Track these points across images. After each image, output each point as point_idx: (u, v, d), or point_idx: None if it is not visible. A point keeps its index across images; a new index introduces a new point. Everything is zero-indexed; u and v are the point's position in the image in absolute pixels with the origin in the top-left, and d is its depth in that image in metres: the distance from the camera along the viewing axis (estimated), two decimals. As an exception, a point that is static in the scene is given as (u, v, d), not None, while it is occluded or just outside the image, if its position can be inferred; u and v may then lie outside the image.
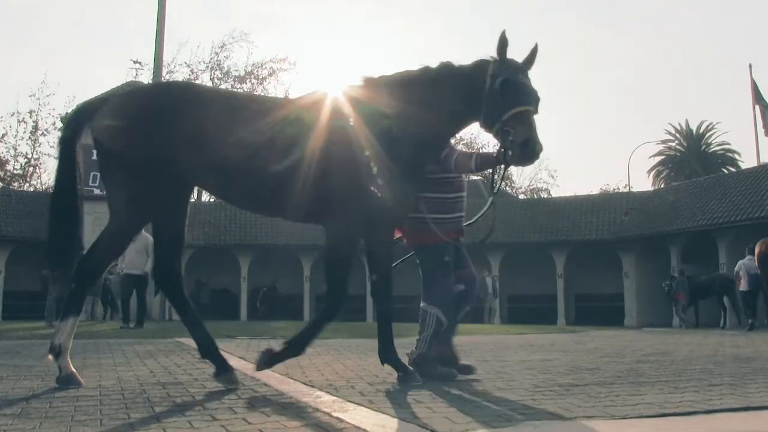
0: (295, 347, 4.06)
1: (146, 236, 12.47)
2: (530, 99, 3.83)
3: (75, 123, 4.26)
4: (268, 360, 4.03)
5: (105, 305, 19.87)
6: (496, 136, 3.87)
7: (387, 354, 4.18)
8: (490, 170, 4.38)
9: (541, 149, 3.72)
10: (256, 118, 3.98)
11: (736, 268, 16.64)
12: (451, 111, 4.07)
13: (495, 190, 4.34)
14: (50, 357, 3.83)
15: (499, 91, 3.80)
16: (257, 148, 3.91)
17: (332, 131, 3.94)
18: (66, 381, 3.79)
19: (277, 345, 4.12)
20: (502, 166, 4.05)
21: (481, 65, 3.98)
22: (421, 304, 4.39)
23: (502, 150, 3.85)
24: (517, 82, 3.84)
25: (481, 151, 4.36)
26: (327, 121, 3.98)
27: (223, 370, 3.98)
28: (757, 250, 14.38)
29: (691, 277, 19.70)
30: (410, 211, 4.28)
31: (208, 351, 4.07)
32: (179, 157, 3.91)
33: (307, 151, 3.89)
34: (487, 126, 3.91)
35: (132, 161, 3.94)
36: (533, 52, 4.01)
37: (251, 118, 3.99)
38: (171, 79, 37.09)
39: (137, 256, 12.24)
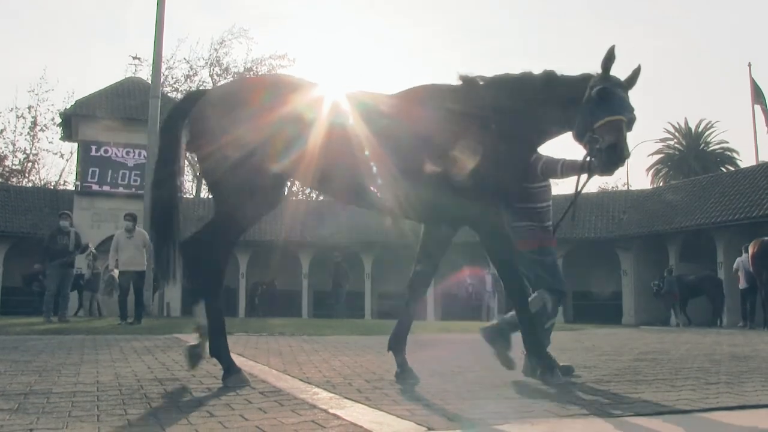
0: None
1: (143, 232, 12.48)
2: (624, 110, 3.83)
3: (177, 114, 4.24)
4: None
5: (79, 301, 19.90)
6: (585, 145, 3.88)
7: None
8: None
9: (628, 155, 3.74)
10: (367, 114, 3.99)
11: (734, 266, 16.72)
12: (547, 118, 4.09)
13: (575, 198, 4.34)
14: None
15: (594, 99, 3.82)
16: (366, 144, 3.92)
17: (439, 128, 3.98)
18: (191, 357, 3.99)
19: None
20: (586, 174, 4.12)
21: (585, 77, 3.99)
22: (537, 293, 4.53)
23: (588, 158, 3.90)
24: (613, 92, 3.83)
25: (566, 158, 4.42)
26: (434, 118, 4.00)
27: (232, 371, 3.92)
28: (751, 250, 14.43)
29: (679, 277, 19.80)
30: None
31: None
32: (282, 149, 3.87)
33: (414, 149, 3.94)
34: (579, 135, 3.91)
35: (233, 151, 3.87)
36: (635, 73, 3.98)
37: (363, 114, 3.99)
38: (170, 76, 37.19)
39: (137, 252, 12.24)
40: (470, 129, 3.97)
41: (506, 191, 4.14)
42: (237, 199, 3.91)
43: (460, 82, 4.15)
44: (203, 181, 39.33)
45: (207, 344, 3.91)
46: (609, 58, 3.83)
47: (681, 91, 72.25)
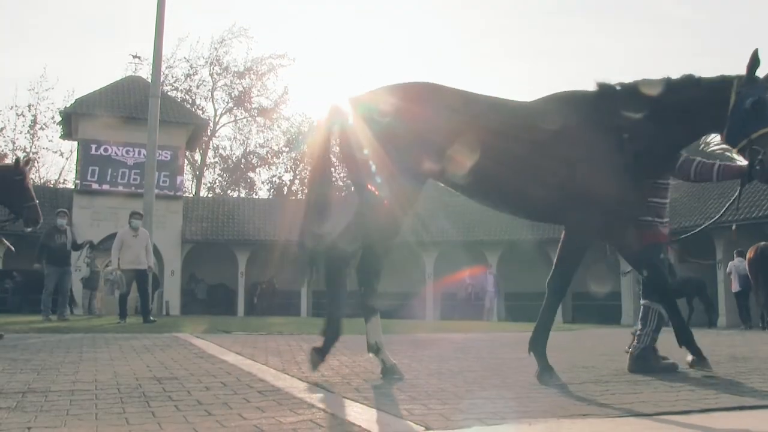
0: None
1: (146, 232, 12.50)
2: None
3: (331, 120, 4.30)
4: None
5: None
6: (740, 152, 4.03)
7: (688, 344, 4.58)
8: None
9: None
10: (508, 119, 4.13)
11: (727, 270, 17.26)
12: (690, 121, 4.20)
13: (738, 203, 4.62)
14: (371, 355, 4.21)
15: (749, 109, 3.91)
16: (508, 149, 4.07)
17: (578, 134, 4.11)
18: (390, 372, 4.08)
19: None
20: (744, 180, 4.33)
21: (726, 80, 4.07)
22: (642, 302, 4.85)
23: (751, 167, 4.03)
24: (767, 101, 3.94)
25: (720, 162, 4.67)
26: (571, 124, 4.11)
27: None
28: (748, 255, 14.59)
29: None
30: (639, 213, 4.62)
31: None
32: (433, 154, 3.99)
33: (554, 153, 4.06)
34: (732, 141, 4.05)
35: (391, 156, 3.96)
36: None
37: (504, 119, 4.13)
38: (170, 74, 37.19)
39: (141, 251, 12.18)
40: (608, 138, 4.10)
41: (633, 204, 4.35)
42: (391, 207, 4.04)
43: (596, 88, 4.26)
44: (200, 181, 39.36)
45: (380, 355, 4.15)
46: (754, 63, 3.96)
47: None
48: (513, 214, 4.81)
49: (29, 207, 7.41)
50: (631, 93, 4.22)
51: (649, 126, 4.14)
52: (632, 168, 4.09)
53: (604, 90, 4.25)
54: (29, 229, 7.88)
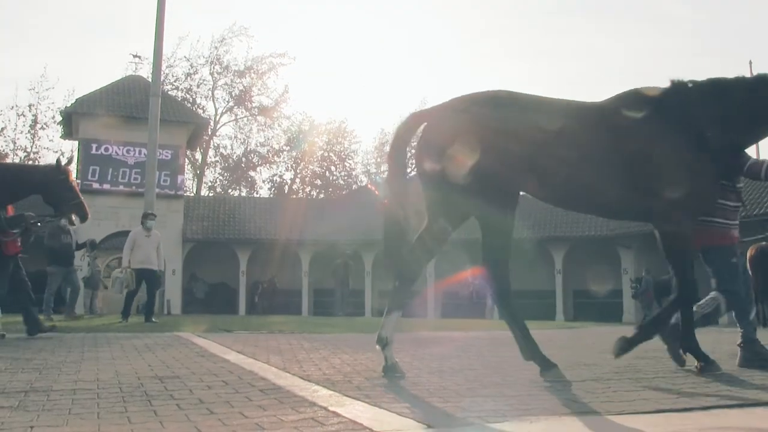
0: (647, 331, 4.43)
1: (158, 233, 12.54)
2: None
3: (406, 129, 4.30)
4: (623, 345, 4.33)
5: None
6: None
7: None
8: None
9: None
10: (589, 123, 4.14)
11: None
12: (759, 122, 4.26)
13: None
14: (378, 347, 4.10)
15: None
16: (591, 153, 4.08)
17: (658, 134, 4.12)
18: (391, 370, 4.03)
19: (629, 331, 4.43)
20: None
21: None
22: (712, 294, 4.87)
23: None
24: None
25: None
26: (651, 123, 4.13)
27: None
28: (749, 253, 14.70)
29: (655, 277, 20.12)
30: (707, 214, 4.62)
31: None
32: (518, 164, 4.02)
33: (637, 153, 4.08)
34: None
35: (474, 167, 3.94)
36: None
37: (584, 123, 4.14)
38: (170, 74, 37.18)
39: (153, 252, 12.21)
40: (680, 137, 4.12)
41: (705, 203, 4.37)
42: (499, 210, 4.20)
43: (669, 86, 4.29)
44: (201, 180, 39.34)
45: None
46: None
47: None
48: (598, 215, 4.87)
49: (76, 204, 7.71)
50: (707, 91, 4.26)
51: (725, 125, 4.18)
52: (713, 168, 4.17)
53: (679, 88, 4.28)
54: (73, 226, 8.57)
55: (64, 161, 7.95)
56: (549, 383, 3.78)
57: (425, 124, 4.20)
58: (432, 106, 4.32)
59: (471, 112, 4.06)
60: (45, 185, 7.55)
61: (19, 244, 7.72)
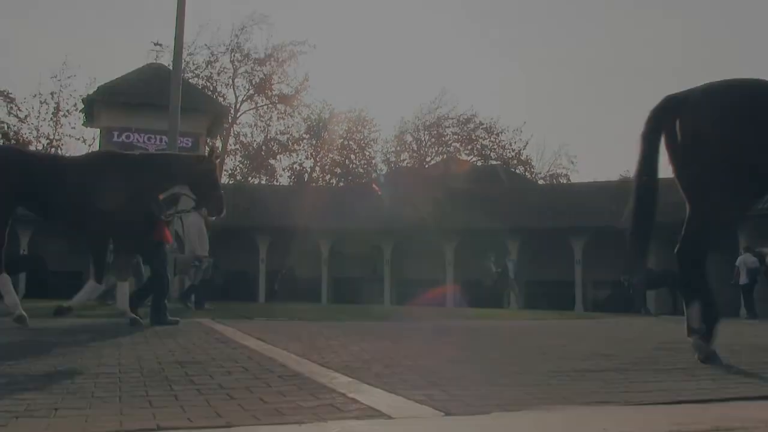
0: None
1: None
2: None
3: (658, 117, 4.33)
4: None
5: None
6: None
7: None
8: None
9: None
10: None
11: (736, 263, 18.46)
12: None
13: None
14: (690, 339, 4.22)
15: None
16: None
17: None
18: (712, 359, 4.15)
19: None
20: None
21: None
22: None
23: None
24: None
25: None
26: None
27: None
28: None
29: (647, 270, 20.10)
30: None
31: None
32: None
33: None
34: None
35: (732, 152, 3.99)
36: None
37: None
38: (191, 62, 37.29)
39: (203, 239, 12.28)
40: None
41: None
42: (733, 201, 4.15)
43: None
44: (221, 168, 39.51)
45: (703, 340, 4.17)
46: None
47: (702, 77, 71.14)
48: None
49: (217, 197, 7.60)
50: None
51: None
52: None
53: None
54: (213, 218, 8.44)
55: (215, 153, 7.95)
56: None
57: (687, 105, 4.19)
58: (688, 89, 4.30)
59: (740, 97, 4.09)
60: (195, 176, 7.40)
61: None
